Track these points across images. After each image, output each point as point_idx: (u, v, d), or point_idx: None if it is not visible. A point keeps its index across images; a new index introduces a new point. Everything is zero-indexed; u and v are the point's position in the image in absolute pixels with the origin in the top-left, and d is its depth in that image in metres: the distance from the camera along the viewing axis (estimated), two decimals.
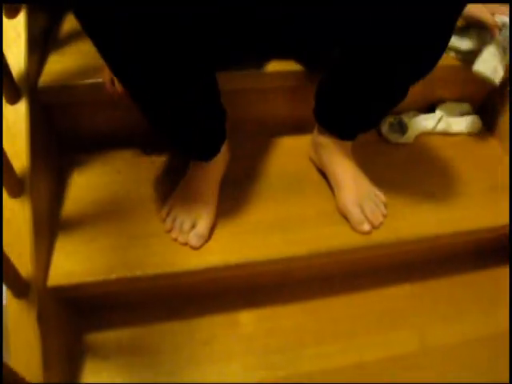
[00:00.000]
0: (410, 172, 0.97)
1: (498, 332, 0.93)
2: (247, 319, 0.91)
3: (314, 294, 0.95)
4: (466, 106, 1.09)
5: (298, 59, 0.88)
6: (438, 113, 1.05)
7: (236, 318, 0.91)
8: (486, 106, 1.10)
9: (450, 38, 0.66)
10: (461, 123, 1.06)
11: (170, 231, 0.81)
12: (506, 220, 0.90)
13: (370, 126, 0.88)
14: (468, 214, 0.90)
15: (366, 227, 0.83)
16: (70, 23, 0.94)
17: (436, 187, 0.95)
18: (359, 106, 0.79)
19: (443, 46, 0.67)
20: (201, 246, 0.80)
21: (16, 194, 0.70)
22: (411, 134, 1.02)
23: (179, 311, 0.90)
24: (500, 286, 1.00)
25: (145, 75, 0.60)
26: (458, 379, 0.86)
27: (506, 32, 0.88)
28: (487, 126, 1.09)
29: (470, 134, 1.07)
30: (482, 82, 0.92)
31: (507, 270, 1.02)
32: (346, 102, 0.79)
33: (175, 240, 0.81)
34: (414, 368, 0.87)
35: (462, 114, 1.07)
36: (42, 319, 0.69)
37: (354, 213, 0.84)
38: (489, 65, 0.90)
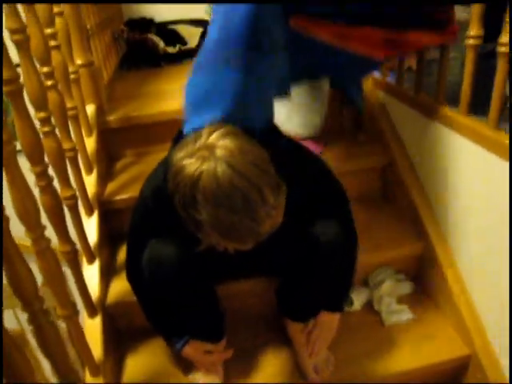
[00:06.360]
0: (361, 334, 1.35)
1: None
2: None
3: None
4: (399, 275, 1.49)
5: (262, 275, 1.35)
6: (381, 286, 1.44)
7: None
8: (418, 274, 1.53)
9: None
10: (398, 290, 1.45)
11: None
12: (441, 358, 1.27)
13: (320, 310, 1.26)
14: (408, 356, 1.27)
15: (317, 382, 1.22)
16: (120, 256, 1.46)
17: (385, 341, 1.32)
18: (309, 303, 1.23)
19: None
20: None
21: (95, 374, 1.13)
22: (357, 306, 1.42)
23: None
24: None
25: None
26: None
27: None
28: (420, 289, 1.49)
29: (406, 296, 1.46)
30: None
31: None
32: (298, 301, 1.24)
33: None
34: None
35: (398, 280, 1.48)
36: None
37: (310, 372, 1.23)
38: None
